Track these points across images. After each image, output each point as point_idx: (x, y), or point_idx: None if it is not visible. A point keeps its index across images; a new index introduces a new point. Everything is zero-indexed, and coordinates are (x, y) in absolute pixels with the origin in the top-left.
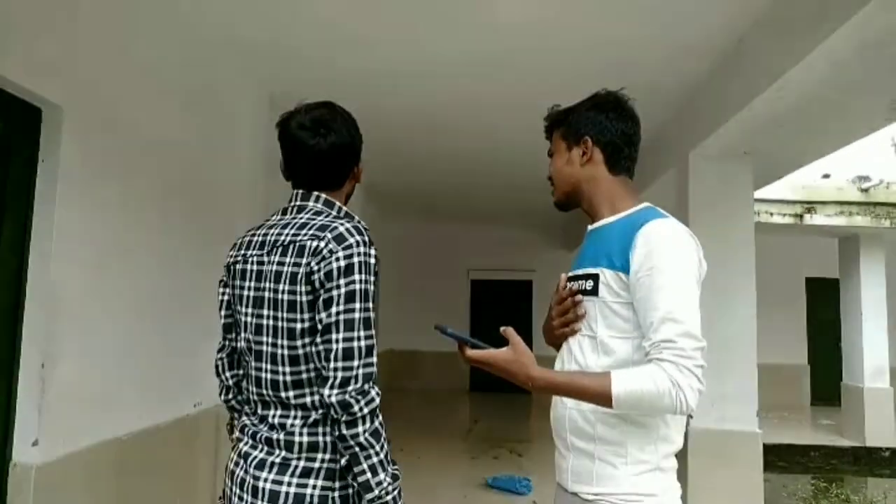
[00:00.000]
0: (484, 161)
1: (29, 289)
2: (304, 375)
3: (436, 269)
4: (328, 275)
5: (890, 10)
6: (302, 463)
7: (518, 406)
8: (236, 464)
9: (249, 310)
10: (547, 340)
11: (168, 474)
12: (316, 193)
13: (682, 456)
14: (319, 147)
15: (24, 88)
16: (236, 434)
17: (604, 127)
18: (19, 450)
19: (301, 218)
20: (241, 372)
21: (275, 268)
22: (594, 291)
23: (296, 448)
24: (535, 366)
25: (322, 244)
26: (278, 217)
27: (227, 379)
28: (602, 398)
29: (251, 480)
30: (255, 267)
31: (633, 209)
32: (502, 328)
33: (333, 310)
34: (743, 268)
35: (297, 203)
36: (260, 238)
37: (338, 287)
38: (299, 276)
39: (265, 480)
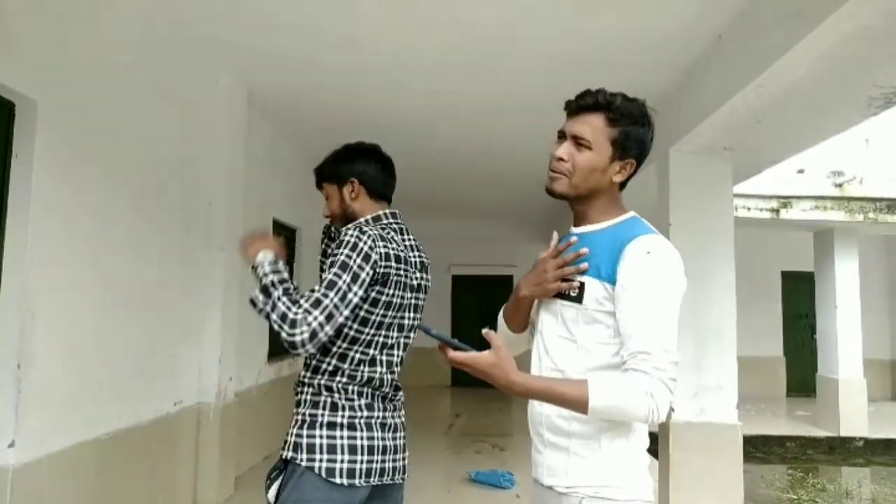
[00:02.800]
0: (464, 158)
1: (3, 287)
2: None
3: None
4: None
5: (871, 5)
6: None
7: (499, 401)
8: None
9: (409, 314)
10: (520, 294)
11: (149, 474)
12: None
13: (663, 448)
14: None
15: None
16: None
17: (645, 147)
18: None
19: (412, 238)
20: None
21: (424, 283)
22: (579, 299)
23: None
24: (515, 371)
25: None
26: (404, 237)
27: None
28: (578, 406)
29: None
30: (415, 282)
31: (621, 218)
32: (484, 330)
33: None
34: (722, 262)
35: (403, 223)
36: (405, 255)
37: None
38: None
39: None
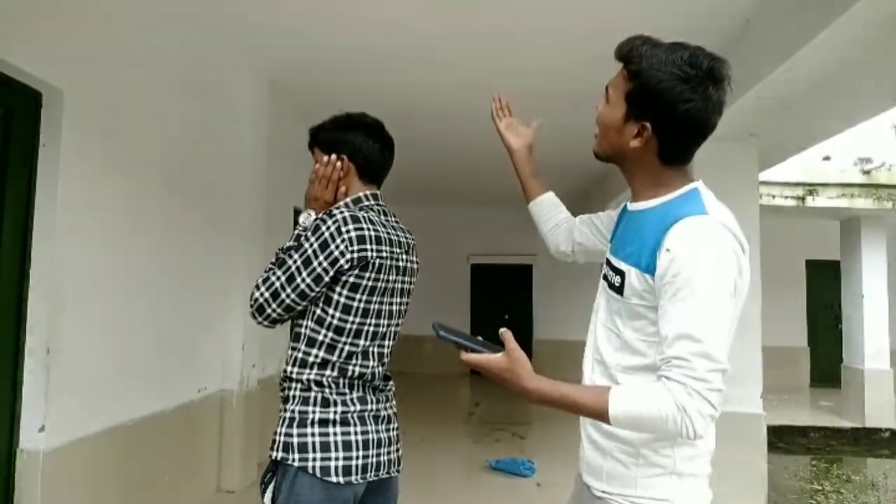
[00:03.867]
0: (485, 144)
1: (33, 276)
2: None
3: (436, 254)
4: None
5: None
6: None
7: None
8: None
9: (397, 299)
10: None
11: (174, 459)
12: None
13: None
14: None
15: (25, 72)
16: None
17: (667, 110)
18: (26, 436)
19: (395, 219)
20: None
21: (411, 265)
22: (620, 290)
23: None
24: (530, 376)
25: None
26: (388, 219)
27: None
28: (599, 415)
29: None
30: (403, 264)
31: (675, 194)
32: (501, 330)
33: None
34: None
35: (385, 206)
36: (389, 236)
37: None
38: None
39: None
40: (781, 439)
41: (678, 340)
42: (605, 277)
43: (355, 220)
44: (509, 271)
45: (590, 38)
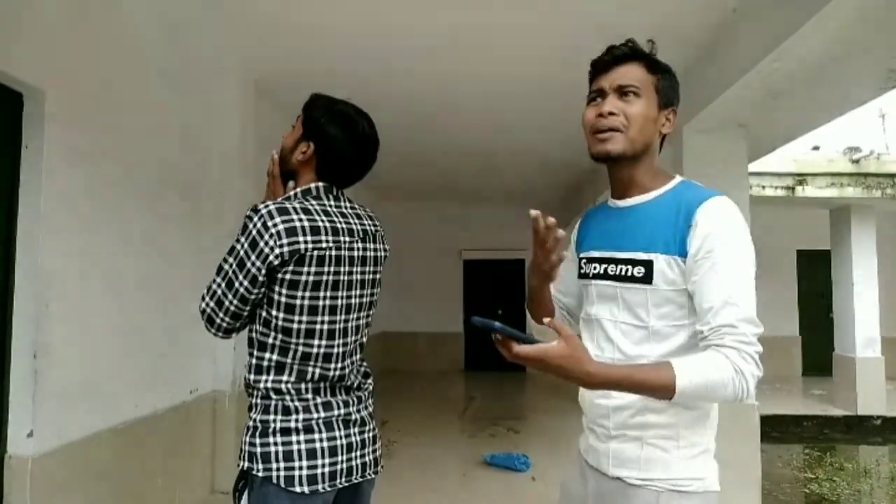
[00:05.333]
0: (477, 141)
1: (18, 277)
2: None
3: (428, 250)
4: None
5: None
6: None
7: (513, 384)
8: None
9: (356, 291)
10: (531, 284)
11: (166, 462)
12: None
13: None
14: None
15: (5, 73)
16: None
17: (679, 95)
18: (14, 442)
19: (353, 205)
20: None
21: (371, 254)
22: (647, 279)
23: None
24: (590, 360)
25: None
26: (340, 204)
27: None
28: (665, 391)
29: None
30: (359, 253)
31: (672, 184)
32: (546, 319)
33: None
34: None
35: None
36: (336, 224)
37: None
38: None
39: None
40: (774, 428)
41: (724, 308)
42: (613, 276)
43: (282, 211)
44: (502, 266)
45: (581, 33)
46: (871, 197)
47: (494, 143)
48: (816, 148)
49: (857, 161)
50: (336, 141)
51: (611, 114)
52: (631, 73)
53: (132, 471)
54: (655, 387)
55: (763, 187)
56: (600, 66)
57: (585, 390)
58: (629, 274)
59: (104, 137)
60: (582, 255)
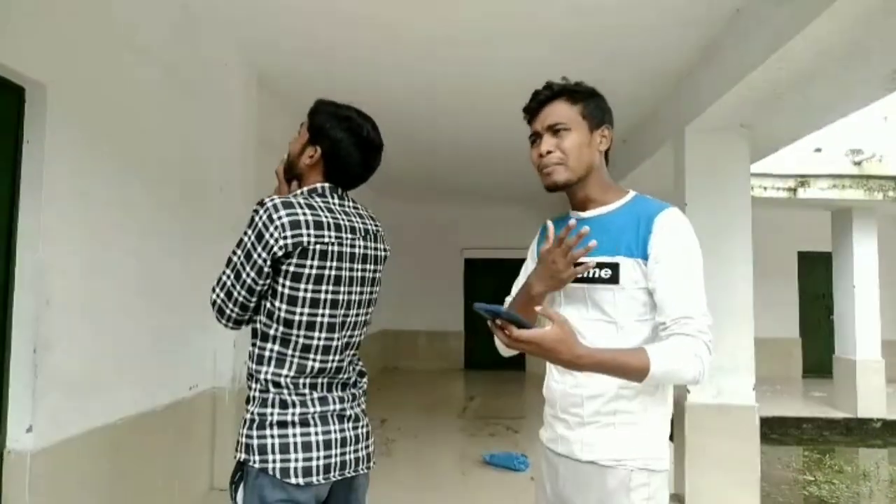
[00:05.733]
0: (479, 141)
1: (18, 273)
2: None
3: (429, 249)
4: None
5: None
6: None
7: (512, 383)
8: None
9: (357, 288)
10: (534, 291)
11: (165, 458)
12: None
13: (679, 430)
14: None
15: (6, 67)
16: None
17: (610, 112)
18: (13, 437)
19: (356, 205)
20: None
21: (372, 252)
22: (614, 279)
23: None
24: (580, 344)
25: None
26: (343, 203)
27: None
28: (640, 373)
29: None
30: (360, 251)
31: (628, 197)
32: (538, 307)
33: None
34: (739, 243)
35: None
36: (338, 221)
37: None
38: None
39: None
40: (774, 430)
41: (682, 303)
42: (581, 278)
43: (287, 205)
44: (502, 265)
45: (580, 30)
46: (873, 199)
47: (500, 142)
48: (819, 150)
49: (859, 163)
50: (342, 144)
51: (548, 152)
52: (556, 112)
53: (132, 466)
54: (634, 369)
55: (765, 188)
56: (531, 111)
57: (553, 382)
58: (597, 276)
59: (106, 133)
60: None
